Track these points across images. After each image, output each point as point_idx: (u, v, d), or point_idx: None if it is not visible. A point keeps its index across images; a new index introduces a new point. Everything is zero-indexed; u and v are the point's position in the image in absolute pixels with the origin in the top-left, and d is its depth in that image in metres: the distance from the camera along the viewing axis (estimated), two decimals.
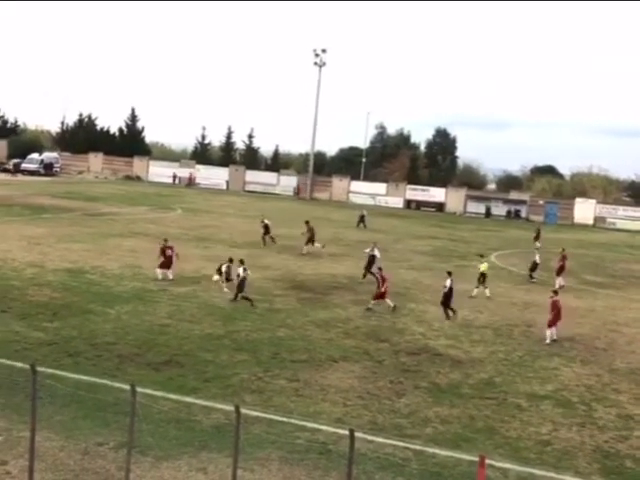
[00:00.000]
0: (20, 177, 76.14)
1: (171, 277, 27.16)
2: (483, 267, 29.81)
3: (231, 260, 26.26)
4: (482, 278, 29.37)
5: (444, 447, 13.34)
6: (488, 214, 78.83)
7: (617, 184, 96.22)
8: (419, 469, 12.27)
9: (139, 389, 11.39)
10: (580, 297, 31.15)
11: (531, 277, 34.57)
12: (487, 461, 10.30)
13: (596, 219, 77.86)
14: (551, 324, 22.36)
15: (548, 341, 22.02)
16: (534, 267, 34.46)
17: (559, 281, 32.67)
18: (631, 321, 26.51)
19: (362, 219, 55.27)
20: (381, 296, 25.06)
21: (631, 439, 14.81)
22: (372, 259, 31.41)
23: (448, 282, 24.91)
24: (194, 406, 14.25)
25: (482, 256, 31.60)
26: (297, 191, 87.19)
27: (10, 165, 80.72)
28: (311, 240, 37.84)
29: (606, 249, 53.06)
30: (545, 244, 54.29)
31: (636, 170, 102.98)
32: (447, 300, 24.75)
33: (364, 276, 30.72)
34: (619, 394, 17.77)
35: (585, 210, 78.89)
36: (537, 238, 49.87)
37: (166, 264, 27.40)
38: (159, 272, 27.18)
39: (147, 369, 16.74)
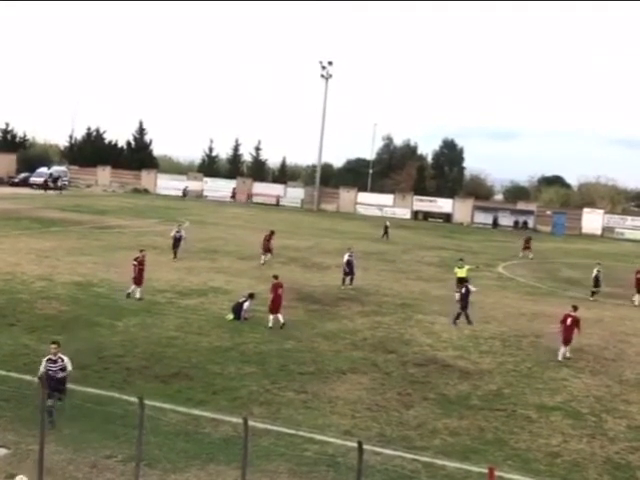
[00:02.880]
0: (50, 191, 76.71)
1: (137, 295, 25.56)
2: (461, 272, 30.05)
3: (252, 296, 24.23)
4: (460, 282, 29.37)
5: (453, 459, 13.26)
6: (495, 224, 78.74)
7: (625, 194, 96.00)
8: None
9: (147, 402, 11.42)
10: (589, 308, 30.95)
11: (592, 294, 33.40)
12: (496, 473, 10.26)
13: (604, 229, 77.59)
14: (565, 341, 21.71)
15: (560, 358, 21.54)
16: (596, 283, 33.49)
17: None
18: None
19: (386, 230, 55.88)
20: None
21: None
22: (349, 265, 31.83)
23: (471, 287, 25.88)
24: (202, 418, 14.24)
25: (462, 260, 31.76)
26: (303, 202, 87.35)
27: (41, 180, 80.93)
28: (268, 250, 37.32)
29: (614, 259, 52.75)
30: (554, 254, 54.21)
31: None
32: (465, 304, 25.41)
33: (346, 282, 31.40)
34: (629, 405, 17.65)
35: (593, 220, 78.64)
36: (528, 247, 49.37)
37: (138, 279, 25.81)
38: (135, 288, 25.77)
39: (155, 382, 16.75)
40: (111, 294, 26.21)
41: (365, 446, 10.56)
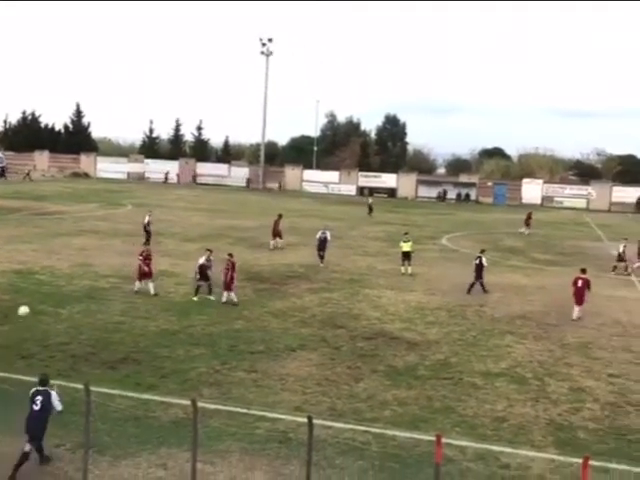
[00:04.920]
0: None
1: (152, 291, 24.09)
2: (405, 246, 30.58)
3: (209, 250, 24.58)
4: (405, 256, 30.41)
5: (403, 428, 13.50)
6: (444, 198, 79.97)
7: (563, 163, 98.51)
8: (379, 451, 12.41)
9: (94, 388, 11.26)
10: (529, 275, 31.83)
11: (614, 268, 33.55)
12: (444, 440, 10.48)
13: (543, 198, 79.61)
14: (578, 302, 23.41)
15: (575, 317, 23.24)
16: (620, 258, 33.68)
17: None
18: None
19: (370, 208, 57.01)
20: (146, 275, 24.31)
21: (583, 411, 15.23)
22: (323, 242, 32.23)
23: (484, 259, 27.29)
24: (151, 402, 14.11)
25: (407, 234, 32.31)
26: (248, 182, 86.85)
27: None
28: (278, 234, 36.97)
29: (554, 227, 54.25)
30: (496, 224, 55.35)
31: (581, 149, 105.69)
32: (479, 275, 26.87)
33: (321, 258, 31.77)
34: (570, 368, 18.24)
35: (533, 190, 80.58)
36: (528, 223, 50.06)
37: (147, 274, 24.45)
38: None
39: (102, 368, 16.51)
40: (53, 281, 25.64)
41: (316, 421, 10.66)
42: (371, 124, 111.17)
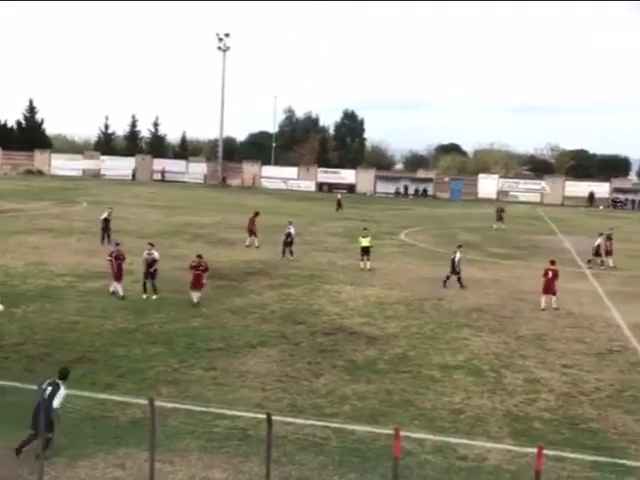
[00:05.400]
0: None
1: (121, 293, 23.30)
2: (364, 242, 30.85)
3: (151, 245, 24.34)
4: (364, 251, 30.69)
5: (362, 423, 13.59)
6: (406, 193, 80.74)
7: (517, 158, 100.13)
8: (339, 446, 12.46)
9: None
10: (485, 269, 32.32)
11: (589, 261, 34.24)
12: (403, 433, 10.58)
13: (499, 193, 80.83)
14: (549, 292, 24.43)
15: (554, 306, 24.24)
16: (596, 252, 34.18)
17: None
18: (535, 289, 27.60)
19: (339, 204, 57.44)
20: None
21: (538, 401, 15.54)
22: (289, 237, 33.00)
23: (458, 255, 27.56)
24: (108, 402, 13.93)
25: (366, 229, 32.50)
26: (205, 178, 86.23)
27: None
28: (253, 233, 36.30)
29: (509, 221, 55.02)
30: (452, 219, 56.01)
31: (535, 144, 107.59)
32: (454, 269, 27.36)
33: (287, 253, 32.43)
34: (526, 359, 18.58)
35: (488, 185, 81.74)
36: (500, 218, 50.61)
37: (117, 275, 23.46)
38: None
39: (58, 368, 16.14)
40: (7, 280, 25.06)
41: (276, 417, 10.66)
42: (329, 120, 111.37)
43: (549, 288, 24.44)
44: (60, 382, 11.78)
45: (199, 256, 23.38)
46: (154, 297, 23.09)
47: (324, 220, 50.47)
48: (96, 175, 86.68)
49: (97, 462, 11.67)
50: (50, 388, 11.52)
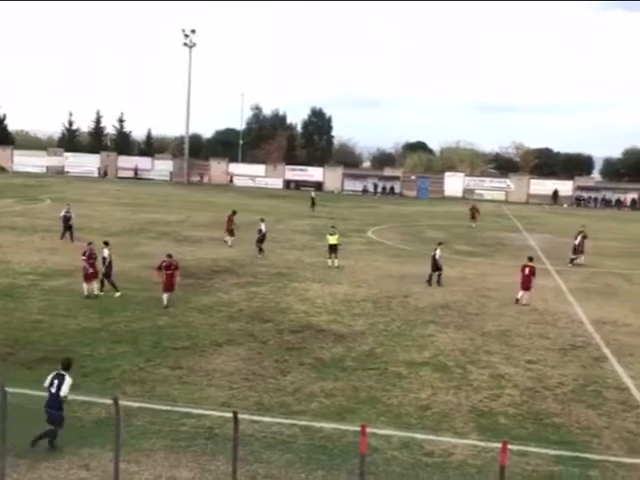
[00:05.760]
0: None
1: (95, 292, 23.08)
2: (332, 239, 30.96)
3: (107, 243, 24.36)
4: (332, 249, 30.87)
5: (330, 420, 13.60)
6: (375, 191, 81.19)
7: (483, 157, 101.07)
8: (306, 444, 12.47)
9: (11, 389, 10.86)
10: (452, 266, 32.53)
11: (572, 260, 34.34)
12: (370, 430, 10.61)
13: (465, 191, 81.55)
14: (524, 287, 24.94)
15: (521, 301, 24.82)
16: (575, 250, 34.44)
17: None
18: (500, 286, 28.05)
19: (313, 201, 57.22)
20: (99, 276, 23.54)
21: (503, 397, 15.72)
22: (261, 234, 33.49)
23: (438, 252, 27.71)
24: (73, 402, 13.63)
25: (334, 227, 32.60)
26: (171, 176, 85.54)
27: None
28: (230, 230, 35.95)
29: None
30: (419, 217, 56.38)
31: (500, 143, 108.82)
32: (436, 266, 27.64)
33: (260, 251, 32.83)
34: (491, 355, 18.80)
35: (454, 183, 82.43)
36: (473, 217, 50.90)
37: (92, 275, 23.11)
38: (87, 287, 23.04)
39: (20, 368, 15.93)
40: None
41: (243, 415, 10.62)
42: (297, 117, 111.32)
43: (524, 283, 24.98)
44: (64, 373, 12.15)
45: (169, 255, 22.96)
46: (117, 294, 22.81)
47: (292, 218, 50.39)
48: (60, 172, 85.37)
49: (61, 463, 11.50)
50: (56, 381, 11.94)
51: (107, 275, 23.49)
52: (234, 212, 36.82)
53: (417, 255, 35.11)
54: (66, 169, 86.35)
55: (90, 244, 24.04)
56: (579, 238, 34.80)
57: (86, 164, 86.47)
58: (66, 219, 34.76)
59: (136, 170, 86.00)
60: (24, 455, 11.57)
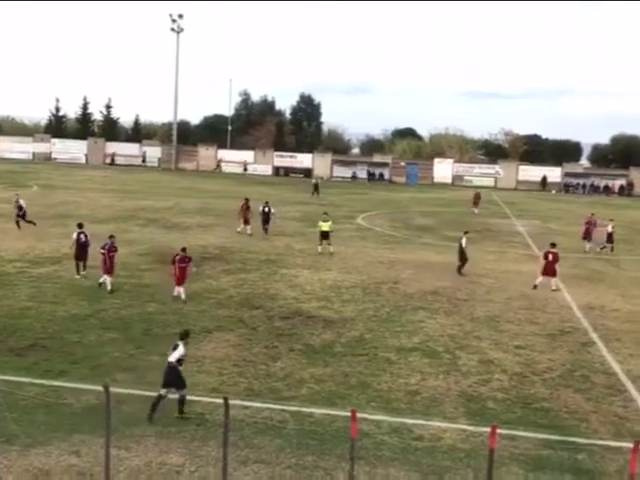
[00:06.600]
0: None
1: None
2: (325, 226, 30.96)
3: (80, 225, 24.57)
4: (323, 236, 30.93)
5: (320, 406, 13.66)
6: (369, 178, 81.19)
7: (472, 143, 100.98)
8: (296, 429, 12.53)
9: (0, 376, 10.84)
10: (441, 252, 32.64)
11: (603, 247, 34.48)
12: (360, 415, 10.67)
13: (454, 177, 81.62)
14: (550, 273, 25.22)
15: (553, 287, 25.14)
16: (609, 238, 34.50)
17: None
18: (489, 272, 28.19)
19: (316, 187, 57.04)
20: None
21: (492, 382, 15.84)
22: (266, 216, 34.74)
23: (464, 241, 27.52)
24: (62, 389, 13.68)
25: (326, 214, 32.54)
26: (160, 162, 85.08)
27: None
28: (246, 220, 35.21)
29: (464, 206, 55.68)
30: (408, 203, 56.42)
31: (489, 129, 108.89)
32: (463, 257, 27.36)
33: (266, 231, 34.38)
34: (480, 341, 18.91)
35: (443, 169, 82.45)
36: (476, 203, 50.95)
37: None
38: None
39: (9, 355, 15.88)
40: None
41: (233, 401, 10.65)
42: (286, 103, 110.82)
43: (549, 270, 25.24)
44: (180, 343, 13.05)
45: (184, 249, 22.01)
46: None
47: (281, 204, 50.24)
48: (47, 158, 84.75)
49: (51, 450, 11.50)
50: (172, 350, 12.99)
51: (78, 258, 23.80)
52: (247, 200, 35.88)
53: (406, 242, 35.18)
54: (53, 155, 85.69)
55: (112, 237, 22.99)
56: (610, 227, 34.83)
57: (73, 150, 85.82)
58: (19, 208, 33.94)
59: (144, 157, 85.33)
60: (14, 441, 11.56)
